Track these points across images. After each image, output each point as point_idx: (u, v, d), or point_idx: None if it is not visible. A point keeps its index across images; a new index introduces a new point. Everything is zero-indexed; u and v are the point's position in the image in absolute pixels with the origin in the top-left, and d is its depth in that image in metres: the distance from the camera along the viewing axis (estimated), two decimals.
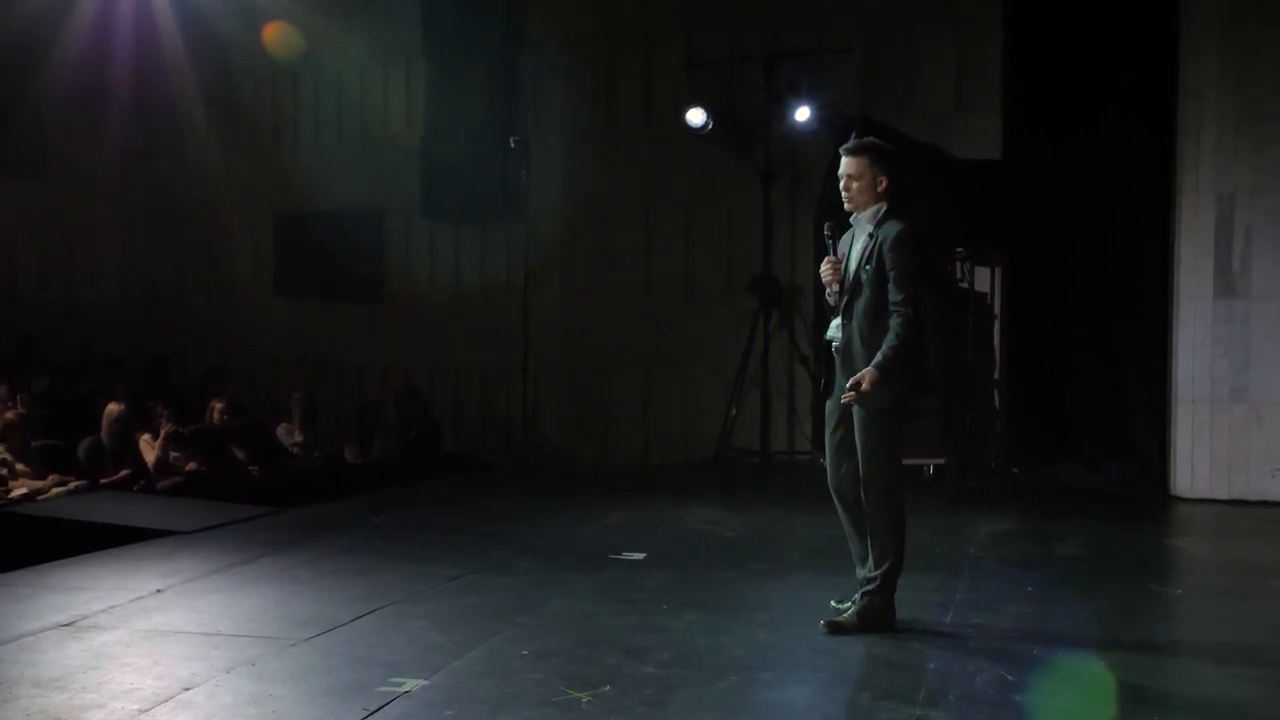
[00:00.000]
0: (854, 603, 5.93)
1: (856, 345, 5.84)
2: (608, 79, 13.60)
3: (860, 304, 5.84)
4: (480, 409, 14.20)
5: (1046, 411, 12.07)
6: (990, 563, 7.66)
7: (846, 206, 5.97)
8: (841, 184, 5.95)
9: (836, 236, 6.06)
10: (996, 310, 12.17)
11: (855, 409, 5.84)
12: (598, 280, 13.61)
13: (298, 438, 12.08)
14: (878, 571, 5.85)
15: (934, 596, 6.59)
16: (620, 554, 7.70)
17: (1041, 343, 12.12)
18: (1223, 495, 10.17)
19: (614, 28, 13.51)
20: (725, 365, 12.43)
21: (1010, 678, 5.13)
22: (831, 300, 5.99)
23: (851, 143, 6.04)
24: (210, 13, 14.21)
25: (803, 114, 12.10)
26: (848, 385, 5.80)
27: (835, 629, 5.82)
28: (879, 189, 5.88)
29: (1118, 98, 11.31)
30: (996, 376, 12.18)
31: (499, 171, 13.33)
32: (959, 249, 11.96)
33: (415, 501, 10.05)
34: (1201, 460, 10.29)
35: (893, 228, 5.80)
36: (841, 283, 5.93)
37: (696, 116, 12.31)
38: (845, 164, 5.93)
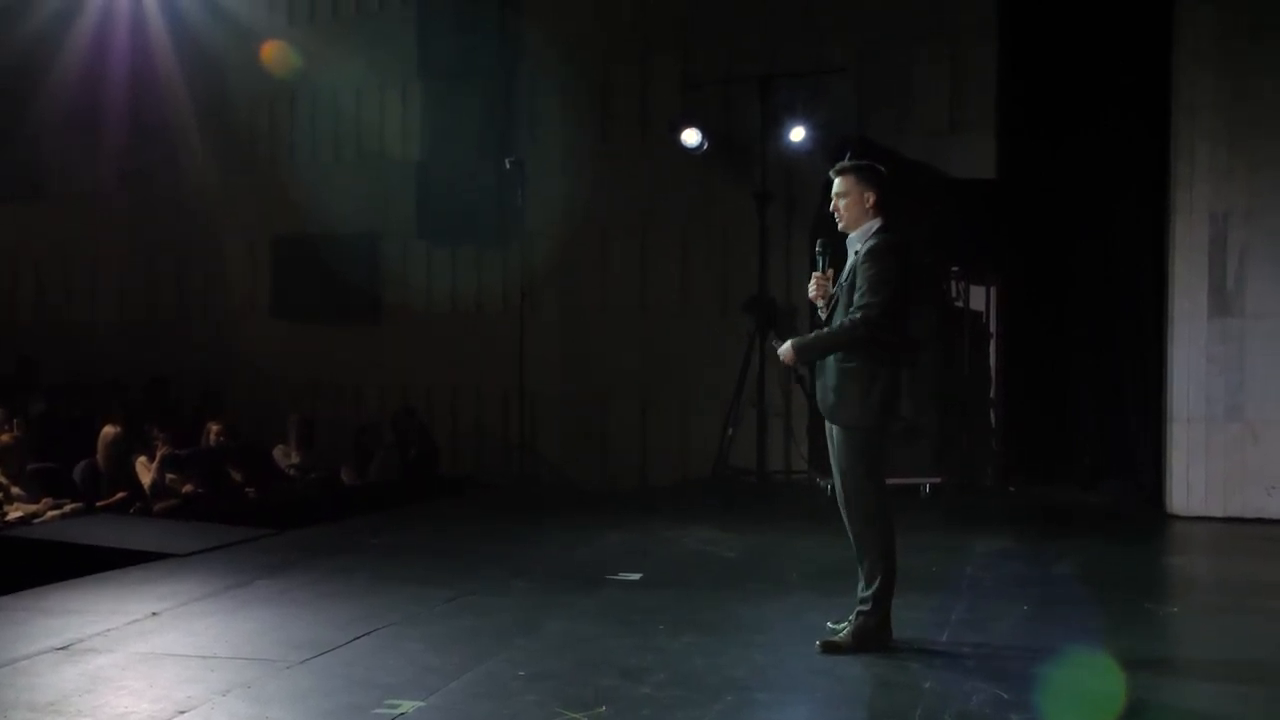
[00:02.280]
0: (849, 623, 5.94)
1: (830, 360, 5.91)
2: (604, 100, 13.64)
3: (837, 319, 5.93)
4: (477, 429, 14.20)
5: (1042, 430, 12.08)
6: (987, 582, 7.65)
7: (840, 226, 6.04)
8: (832, 204, 6.04)
9: (828, 253, 6.10)
10: (992, 329, 12.19)
11: (831, 428, 5.93)
12: (594, 300, 13.63)
13: (295, 459, 12.08)
14: (869, 591, 5.87)
15: (930, 616, 6.59)
16: (617, 574, 7.70)
17: (1037, 361, 12.14)
18: (1219, 513, 10.17)
19: (610, 49, 13.55)
20: (722, 385, 12.42)
21: (1006, 697, 5.12)
22: (822, 316, 6.07)
23: (838, 164, 6.11)
24: (206, 34, 14.26)
25: (798, 134, 12.12)
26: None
27: (830, 649, 5.83)
28: (867, 205, 5.94)
29: (1113, 117, 11.35)
30: (992, 395, 12.20)
31: (495, 192, 13.36)
32: (955, 268, 11.99)
33: (412, 523, 10.04)
34: (1197, 478, 10.29)
35: (872, 241, 5.86)
36: (830, 299, 6.01)
37: (692, 137, 12.34)
38: (835, 184, 6.02)
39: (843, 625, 5.99)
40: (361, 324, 14.73)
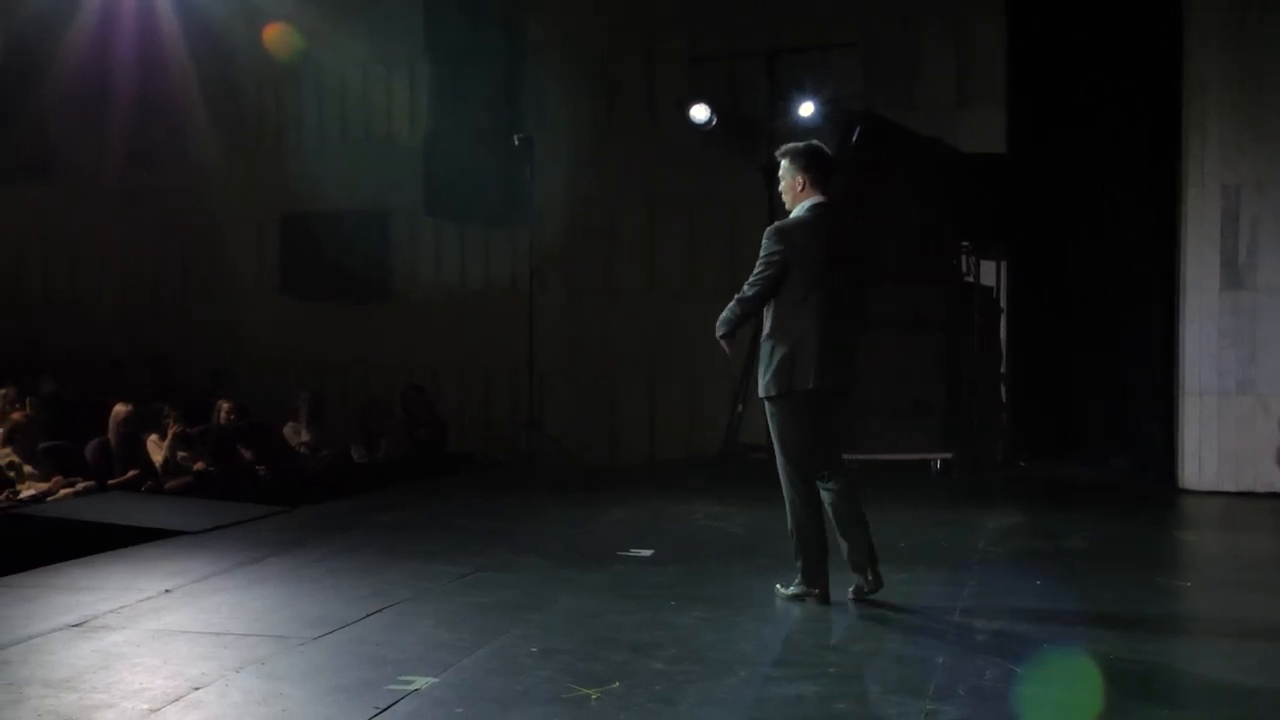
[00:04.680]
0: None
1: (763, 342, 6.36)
2: (610, 77, 13.60)
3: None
4: (485, 408, 14.22)
5: (1053, 405, 12.07)
6: (998, 557, 7.64)
7: (786, 207, 6.41)
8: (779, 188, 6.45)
9: None
10: (1002, 304, 12.16)
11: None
12: (601, 278, 13.62)
13: (304, 437, 12.10)
14: (796, 549, 6.26)
15: (942, 591, 6.59)
16: (627, 551, 7.70)
17: (1047, 336, 12.12)
18: (1230, 488, 10.15)
19: (616, 25, 13.52)
20: (729, 362, 12.39)
21: (1020, 671, 5.12)
22: None
23: (780, 148, 6.47)
24: (213, 15, 14.24)
25: (806, 109, 12.08)
26: None
27: (792, 598, 6.30)
28: (799, 188, 6.31)
29: (1123, 90, 11.30)
30: (1003, 370, 12.17)
31: (503, 171, 13.35)
32: (964, 243, 11.96)
33: (422, 500, 10.04)
34: (1209, 453, 10.27)
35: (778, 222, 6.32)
36: None
37: (700, 113, 12.32)
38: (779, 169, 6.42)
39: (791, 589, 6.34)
40: (370, 303, 14.74)
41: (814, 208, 6.24)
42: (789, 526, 6.29)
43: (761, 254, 6.21)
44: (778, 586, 6.39)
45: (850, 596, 6.24)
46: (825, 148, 6.37)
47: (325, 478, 11.02)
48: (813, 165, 6.26)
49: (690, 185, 13.03)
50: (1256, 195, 10.17)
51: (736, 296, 6.29)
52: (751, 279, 6.23)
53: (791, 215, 6.30)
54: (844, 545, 6.24)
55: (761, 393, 6.29)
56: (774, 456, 6.33)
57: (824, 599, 6.22)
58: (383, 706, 4.65)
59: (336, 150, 14.95)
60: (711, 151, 12.72)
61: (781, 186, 6.36)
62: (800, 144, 6.41)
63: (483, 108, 13.63)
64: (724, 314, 6.30)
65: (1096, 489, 10.66)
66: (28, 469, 9.46)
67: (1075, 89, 11.61)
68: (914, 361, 11.22)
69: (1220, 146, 10.22)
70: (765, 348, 6.26)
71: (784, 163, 6.32)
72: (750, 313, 6.29)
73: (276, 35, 14.36)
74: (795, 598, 6.28)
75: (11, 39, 14.73)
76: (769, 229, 6.28)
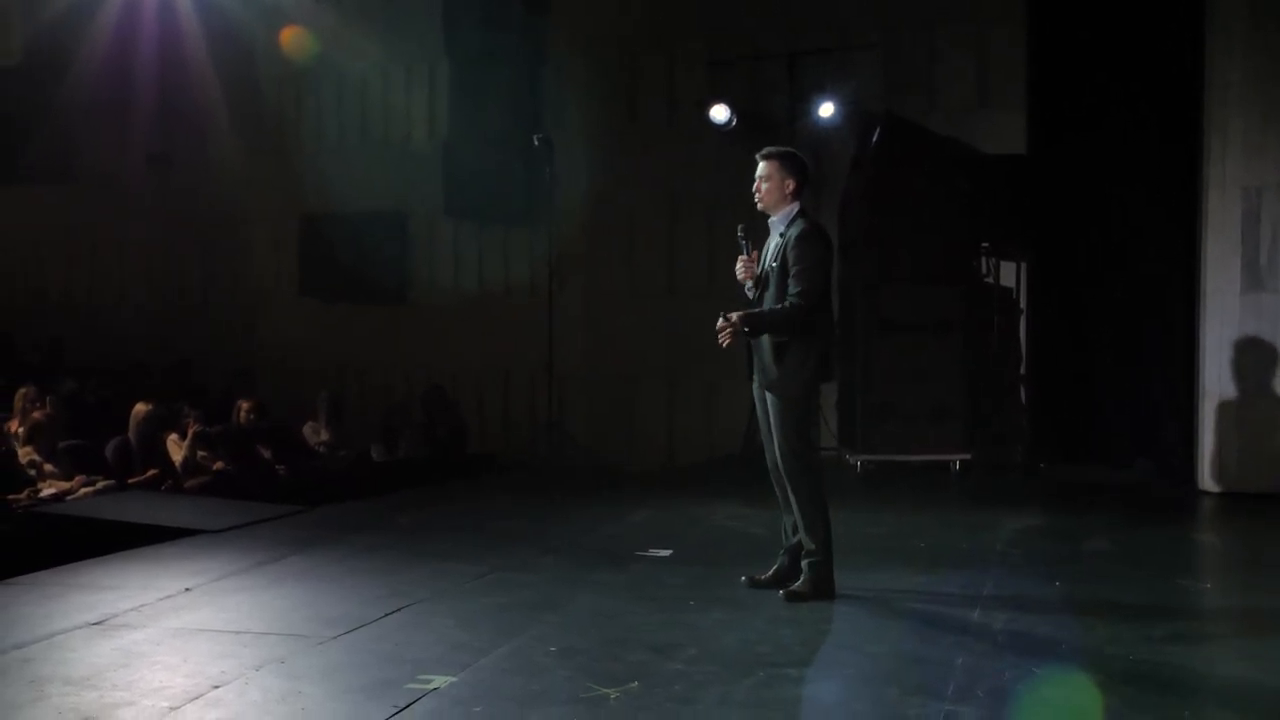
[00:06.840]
0: (776, 571, 6.60)
1: (766, 337, 6.32)
2: (630, 79, 13.61)
3: (769, 298, 6.33)
4: (504, 409, 14.23)
5: (1072, 407, 12.02)
6: (1017, 558, 7.63)
7: (760, 207, 6.46)
8: (755, 185, 6.44)
9: (749, 237, 6.49)
10: (1021, 305, 12.13)
11: (769, 397, 6.37)
12: (621, 280, 13.63)
13: (324, 437, 12.12)
14: (814, 543, 6.35)
15: (961, 592, 6.58)
16: (646, 551, 7.70)
17: (1067, 338, 12.08)
18: (1251, 490, 10.10)
19: (635, 28, 13.52)
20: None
21: (1039, 672, 5.10)
22: (750, 295, 6.47)
23: (764, 149, 6.50)
24: (233, 16, 14.29)
25: (826, 110, 12.09)
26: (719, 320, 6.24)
27: (793, 598, 6.31)
28: (787, 191, 6.38)
29: (1143, 92, 11.25)
30: (1022, 371, 12.14)
31: (522, 172, 13.38)
32: (984, 244, 11.93)
33: (441, 500, 10.07)
34: (1229, 455, 10.23)
35: (798, 227, 6.30)
36: (757, 279, 6.42)
37: (720, 113, 12.32)
38: (759, 168, 6.44)
39: (768, 574, 6.62)
40: (389, 304, 14.77)
41: (806, 211, 6.39)
42: (804, 524, 6.39)
43: (804, 260, 6.20)
44: (780, 594, 6.40)
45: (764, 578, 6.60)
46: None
47: (345, 477, 11.05)
48: (801, 171, 6.38)
49: (710, 186, 13.03)
50: (1277, 197, 10.12)
51: (798, 304, 6.18)
52: (805, 288, 6.18)
53: (796, 218, 6.33)
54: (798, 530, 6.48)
55: (798, 391, 6.31)
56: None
57: (830, 595, 6.35)
58: (401, 705, 4.66)
59: (356, 152, 14.99)
60: (731, 152, 12.70)
61: (766, 186, 6.38)
62: (786, 149, 6.53)
63: (501, 109, 13.66)
64: (770, 313, 6.24)
65: (1116, 491, 10.61)
66: (48, 468, 9.50)
67: (1094, 90, 11.57)
68: (933, 363, 11.20)
69: (1242, 149, 10.18)
70: (796, 347, 6.26)
71: (772, 164, 6.37)
72: (807, 320, 6.25)
73: (294, 38, 14.41)
74: (798, 597, 6.33)
75: (32, 42, 14.80)
76: (814, 230, 6.29)
